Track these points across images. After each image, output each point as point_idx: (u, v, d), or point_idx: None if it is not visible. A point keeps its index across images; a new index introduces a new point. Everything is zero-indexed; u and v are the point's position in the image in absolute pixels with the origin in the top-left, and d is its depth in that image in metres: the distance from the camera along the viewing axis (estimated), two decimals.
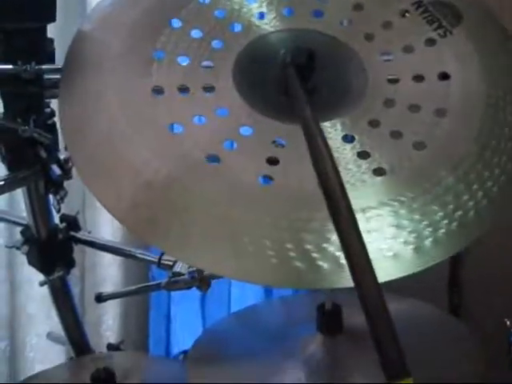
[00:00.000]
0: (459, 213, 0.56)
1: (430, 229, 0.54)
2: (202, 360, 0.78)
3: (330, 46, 0.65)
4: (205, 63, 0.64)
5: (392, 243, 0.53)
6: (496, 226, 0.56)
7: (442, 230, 0.54)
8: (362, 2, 0.68)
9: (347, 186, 0.53)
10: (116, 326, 1.40)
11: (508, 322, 0.76)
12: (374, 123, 0.60)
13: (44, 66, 0.70)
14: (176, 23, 0.66)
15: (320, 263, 0.52)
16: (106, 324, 1.40)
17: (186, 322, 1.45)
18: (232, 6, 0.67)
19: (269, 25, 0.67)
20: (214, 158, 0.58)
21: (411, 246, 0.53)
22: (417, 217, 0.55)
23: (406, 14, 0.67)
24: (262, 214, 0.55)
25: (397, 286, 0.53)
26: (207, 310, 1.44)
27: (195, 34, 0.65)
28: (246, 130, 0.60)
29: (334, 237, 0.50)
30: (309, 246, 0.53)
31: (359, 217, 0.53)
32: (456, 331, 0.79)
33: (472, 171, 0.58)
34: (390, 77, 0.63)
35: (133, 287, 1.12)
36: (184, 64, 0.64)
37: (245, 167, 0.57)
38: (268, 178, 0.57)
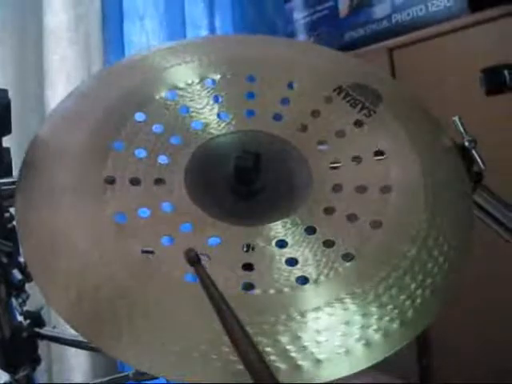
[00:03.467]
0: (429, 280, 0.58)
1: (408, 301, 0.57)
2: None
3: (274, 144, 0.68)
4: (161, 158, 0.66)
5: (379, 322, 0.55)
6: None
7: (419, 300, 0.57)
8: (288, 96, 0.72)
9: (322, 278, 0.58)
10: None
11: None
12: (328, 210, 0.63)
13: (1, 180, 0.69)
14: (140, 117, 0.68)
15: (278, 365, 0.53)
16: None
17: None
18: (195, 104, 0.70)
19: (228, 125, 0.70)
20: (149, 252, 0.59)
21: (397, 321, 0.56)
22: (394, 292, 0.57)
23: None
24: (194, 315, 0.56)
25: None
26: None
27: (156, 128, 0.68)
28: (186, 227, 0.62)
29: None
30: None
31: (338, 306, 0.56)
32: None
33: (429, 239, 0.61)
34: (331, 164, 0.66)
35: (101, 380, 1.09)
36: (141, 156, 0.66)
37: (176, 264, 0.58)
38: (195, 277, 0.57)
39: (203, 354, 0.54)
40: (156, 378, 0.83)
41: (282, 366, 0.53)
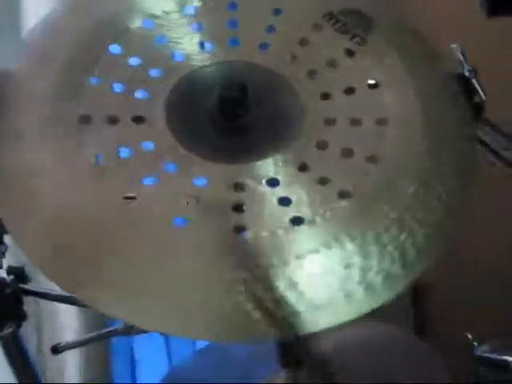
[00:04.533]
0: (431, 218, 0.55)
1: (409, 241, 0.53)
2: None
3: (261, 74, 0.63)
4: (139, 93, 0.61)
5: (380, 264, 0.52)
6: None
7: (420, 239, 0.53)
8: (273, 23, 0.65)
9: (318, 219, 0.53)
10: (78, 373, 1.33)
11: (470, 336, 0.75)
12: (321, 145, 0.58)
13: None
14: (115, 49, 0.62)
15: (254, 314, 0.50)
16: (68, 372, 1.33)
17: (151, 362, 1.40)
18: (173, 33, 0.64)
19: (211, 55, 0.64)
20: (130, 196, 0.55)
21: (398, 263, 0.52)
22: (394, 231, 0.53)
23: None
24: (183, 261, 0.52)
25: None
26: (172, 347, 1.40)
27: (133, 61, 0.62)
28: (169, 167, 0.58)
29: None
30: (240, 298, 0.50)
31: (336, 247, 0.52)
32: (419, 352, 0.79)
33: (429, 173, 0.57)
34: (323, 94, 0.61)
35: (89, 335, 1.07)
36: (117, 91, 0.60)
37: (161, 207, 0.54)
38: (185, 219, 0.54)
39: (195, 304, 0.50)
40: (145, 332, 0.80)
41: (279, 313, 0.50)
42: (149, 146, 0.58)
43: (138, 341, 1.36)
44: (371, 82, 0.61)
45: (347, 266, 0.52)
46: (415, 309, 1.37)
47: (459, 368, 0.71)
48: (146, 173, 0.56)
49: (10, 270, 0.80)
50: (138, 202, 0.54)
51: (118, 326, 0.86)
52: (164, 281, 0.51)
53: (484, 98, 0.63)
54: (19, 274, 0.81)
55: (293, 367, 0.74)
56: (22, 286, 0.81)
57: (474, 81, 0.64)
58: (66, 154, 0.56)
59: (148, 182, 0.56)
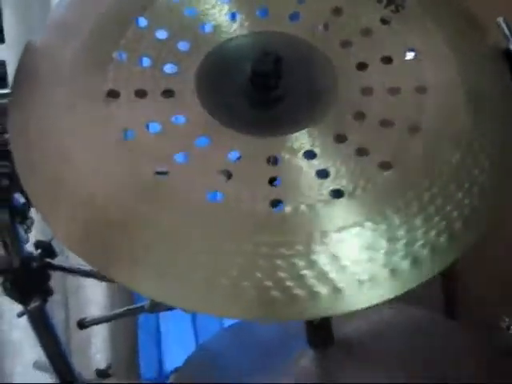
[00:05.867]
0: (475, 189, 0.51)
1: (455, 212, 0.50)
2: (193, 377, 0.76)
3: (293, 45, 0.59)
4: (167, 66, 0.58)
5: (426, 237, 0.49)
6: None
7: (467, 210, 0.50)
8: None
9: (358, 191, 0.50)
10: (105, 348, 1.33)
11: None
12: (358, 115, 0.55)
13: None
14: (142, 22, 0.60)
15: (297, 292, 0.47)
16: (95, 346, 1.33)
17: (177, 337, 1.38)
18: (203, 5, 0.61)
19: (240, 26, 0.60)
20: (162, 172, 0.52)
21: (445, 235, 0.49)
22: (439, 202, 0.50)
23: None
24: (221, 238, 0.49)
25: None
26: (198, 322, 1.38)
27: (160, 34, 0.59)
28: (202, 141, 0.54)
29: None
30: (282, 274, 0.48)
31: (379, 220, 0.49)
32: (450, 334, 0.77)
33: (473, 142, 0.53)
34: (358, 63, 0.58)
35: (116, 311, 1.05)
36: (145, 66, 0.58)
37: (195, 183, 0.51)
38: (220, 194, 0.52)
39: (233, 281, 0.47)
40: (171, 309, 0.78)
41: (322, 289, 0.47)
42: (180, 120, 0.55)
43: (164, 313, 1.33)
44: (409, 50, 0.58)
45: (391, 240, 0.49)
46: (446, 295, 1.34)
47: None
48: (178, 148, 0.53)
49: (37, 245, 0.79)
50: (170, 177, 0.51)
51: (144, 303, 0.85)
52: (197, 258, 0.48)
53: None
54: (47, 248, 0.79)
55: (320, 346, 0.74)
56: (48, 260, 0.80)
57: None
58: (93, 129, 0.54)
59: (180, 157, 0.54)
